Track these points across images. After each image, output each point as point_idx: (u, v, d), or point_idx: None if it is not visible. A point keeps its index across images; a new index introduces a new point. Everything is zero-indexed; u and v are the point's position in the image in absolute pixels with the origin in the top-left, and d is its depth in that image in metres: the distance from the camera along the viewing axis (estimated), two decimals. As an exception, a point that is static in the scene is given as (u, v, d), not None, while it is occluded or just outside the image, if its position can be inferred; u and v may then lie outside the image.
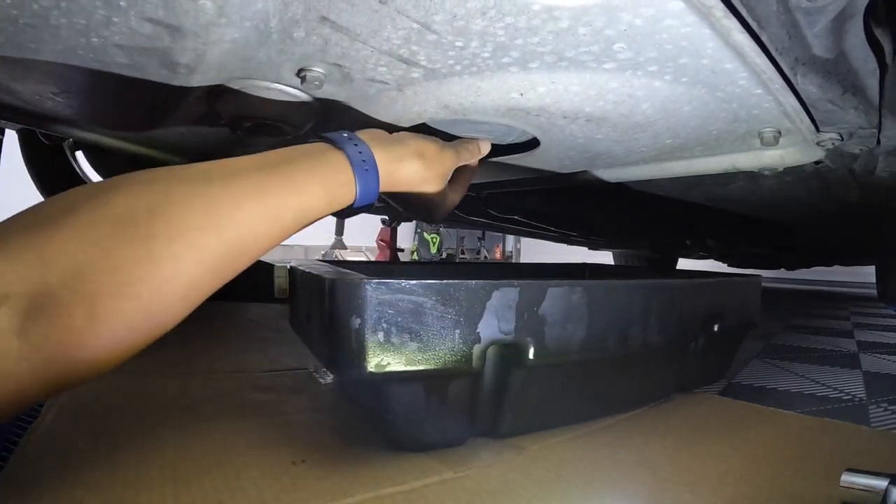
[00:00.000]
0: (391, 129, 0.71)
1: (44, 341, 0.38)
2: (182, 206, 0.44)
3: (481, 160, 0.82)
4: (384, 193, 0.65)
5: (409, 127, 0.77)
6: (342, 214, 0.60)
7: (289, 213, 0.51)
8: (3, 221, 0.41)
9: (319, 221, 0.58)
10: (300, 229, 0.53)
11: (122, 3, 0.49)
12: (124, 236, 0.41)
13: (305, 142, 0.59)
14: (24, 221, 0.40)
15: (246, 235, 0.47)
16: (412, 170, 0.64)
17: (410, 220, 4.60)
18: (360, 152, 0.58)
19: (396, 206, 0.73)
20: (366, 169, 0.58)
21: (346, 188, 0.56)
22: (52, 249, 0.39)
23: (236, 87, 0.68)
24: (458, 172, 0.80)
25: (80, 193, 0.43)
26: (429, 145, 0.67)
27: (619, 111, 0.69)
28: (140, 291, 0.41)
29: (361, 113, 0.75)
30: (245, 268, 0.49)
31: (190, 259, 0.43)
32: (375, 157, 0.59)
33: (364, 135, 0.62)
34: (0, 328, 0.36)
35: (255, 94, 0.69)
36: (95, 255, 0.39)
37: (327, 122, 0.78)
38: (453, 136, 0.85)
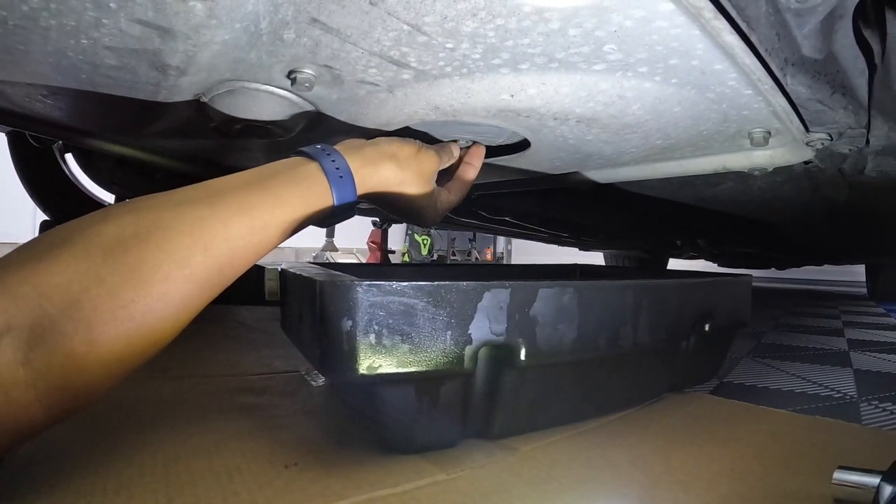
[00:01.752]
0: (375, 135, 0.71)
1: (47, 368, 0.40)
2: (169, 229, 0.47)
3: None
4: (369, 199, 0.66)
5: (399, 130, 0.77)
6: (324, 223, 0.63)
7: (272, 226, 0.54)
8: (2, 258, 0.43)
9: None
10: (284, 241, 0.56)
11: (111, 5, 0.49)
12: (115, 263, 0.43)
13: (285, 157, 0.62)
14: (21, 256, 0.43)
15: (234, 250, 0.50)
16: (386, 172, 0.65)
17: (401, 222, 4.60)
18: (334, 161, 0.61)
19: (385, 212, 0.73)
20: (340, 176, 0.60)
21: (323, 198, 0.59)
22: (48, 281, 0.41)
23: (226, 89, 0.68)
24: (458, 174, 0.80)
25: (73, 226, 0.46)
26: (404, 147, 0.68)
27: (609, 112, 0.69)
28: (134, 313, 0.43)
29: (352, 114, 0.75)
30: (236, 278, 0.52)
31: (180, 278, 0.46)
32: (349, 164, 0.62)
33: (340, 146, 0.64)
34: (6, 359, 0.38)
35: (245, 96, 0.69)
36: (90, 283, 0.42)
37: (317, 125, 0.78)
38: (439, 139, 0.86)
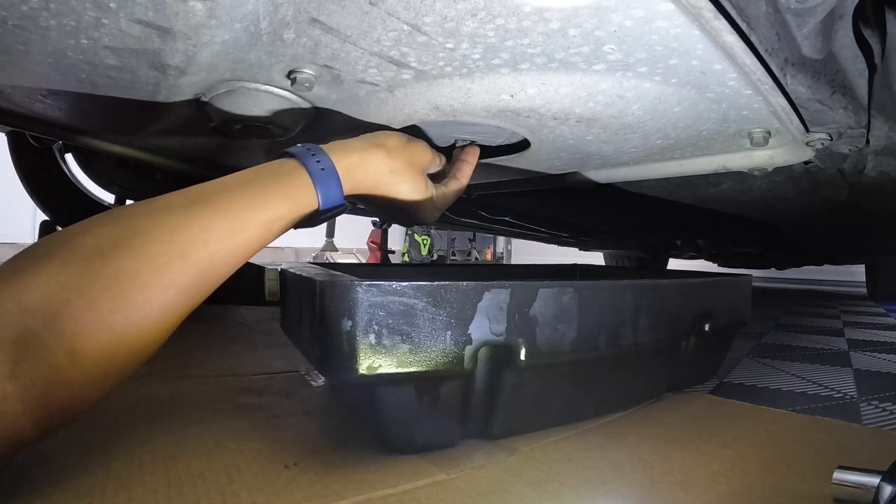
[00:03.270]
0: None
1: (33, 383, 0.40)
2: (146, 236, 0.46)
3: (479, 158, 0.82)
4: (361, 196, 0.66)
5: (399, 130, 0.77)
6: (312, 222, 0.61)
7: (253, 226, 0.53)
8: None
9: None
10: (270, 241, 0.55)
11: (111, 5, 0.49)
12: (93, 273, 0.43)
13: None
14: (6, 270, 0.43)
15: (213, 254, 0.49)
16: (375, 162, 0.64)
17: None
18: (314, 155, 0.60)
19: (381, 213, 0.72)
20: (322, 169, 0.59)
21: (306, 194, 0.58)
22: (29, 295, 0.41)
23: (226, 90, 0.68)
24: (454, 171, 0.79)
25: (55, 238, 0.46)
26: (391, 137, 0.67)
27: (609, 112, 0.69)
28: (114, 324, 0.43)
29: (351, 114, 0.75)
30: (220, 283, 0.51)
31: (159, 285, 0.46)
32: (332, 157, 0.61)
33: (326, 145, 0.63)
34: None
35: (245, 96, 0.69)
36: (69, 295, 0.42)
37: (317, 124, 0.78)
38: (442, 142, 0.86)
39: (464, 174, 0.80)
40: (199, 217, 0.49)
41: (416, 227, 6.58)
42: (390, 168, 0.65)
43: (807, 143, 0.79)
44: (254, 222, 0.52)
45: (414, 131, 0.79)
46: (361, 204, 0.69)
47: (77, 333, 0.41)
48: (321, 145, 0.63)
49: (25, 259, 0.44)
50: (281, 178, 0.57)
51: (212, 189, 0.53)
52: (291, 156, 0.60)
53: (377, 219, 3.67)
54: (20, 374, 0.39)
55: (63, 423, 0.43)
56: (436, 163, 0.75)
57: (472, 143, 0.84)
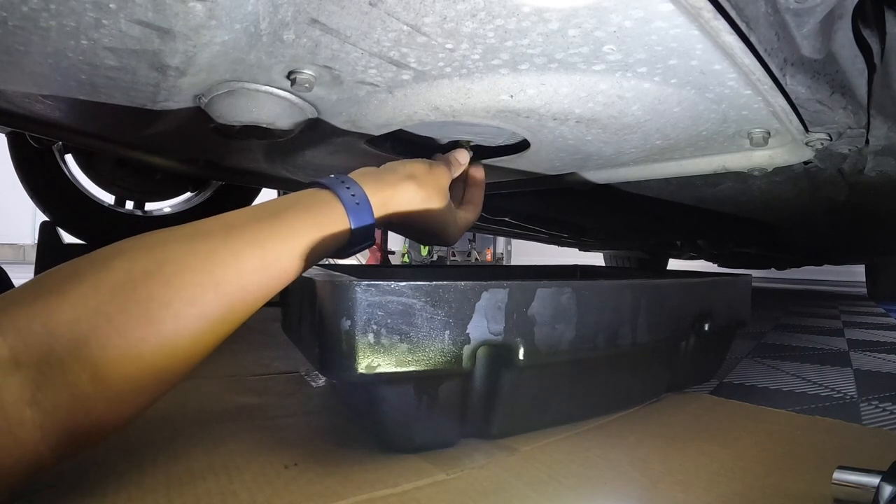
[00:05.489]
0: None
1: (54, 409, 0.39)
2: (179, 264, 0.45)
3: (486, 172, 0.83)
4: (393, 224, 0.66)
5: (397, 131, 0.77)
6: (344, 252, 0.61)
7: (285, 257, 0.52)
8: (12, 292, 0.42)
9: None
10: (299, 274, 0.54)
11: (111, 6, 0.49)
12: (124, 300, 0.42)
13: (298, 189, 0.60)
14: (33, 290, 0.42)
15: (246, 286, 0.48)
16: (409, 193, 0.65)
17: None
18: (348, 187, 0.60)
19: (408, 235, 0.72)
20: (356, 202, 0.59)
21: (339, 224, 0.57)
22: (56, 319, 0.40)
23: (226, 90, 0.68)
24: (467, 196, 0.81)
25: (83, 260, 0.44)
26: (417, 165, 0.68)
27: (608, 112, 0.69)
28: (143, 352, 0.42)
29: (351, 114, 0.75)
30: (251, 314, 0.50)
31: (190, 316, 0.45)
32: (366, 190, 0.60)
33: (355, 173, 0.63)
34: (13, 398, 0.37)
35: (244, 97, 0.69)
36: (98, 321, 0.41)
37: (317, 125, 0.78)
38: (443, 141, 0.86)
39: (478, 198, 0.82)
40: (232, 246, 0.48)
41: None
42: (423, 197, 0.66)
43: (806, 144, 0.79)
44: (286, 254, 0.52)
45: (404, 134, 0.79)
46: (391, 230, 0.69)
47: (104, 360, 0.40)
48: (353, 173, 0.63)
49: (53, 278, 0.43)
50: (314, 210, 0.56)
51: (243, 218, 0.52)
52: (323, 186, 0.59)
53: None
54: (41, 400, 0.38)
55: (82, 449, 0.42)
56: (454, 170, 0.77)
57: (479, 162, 0.84)
